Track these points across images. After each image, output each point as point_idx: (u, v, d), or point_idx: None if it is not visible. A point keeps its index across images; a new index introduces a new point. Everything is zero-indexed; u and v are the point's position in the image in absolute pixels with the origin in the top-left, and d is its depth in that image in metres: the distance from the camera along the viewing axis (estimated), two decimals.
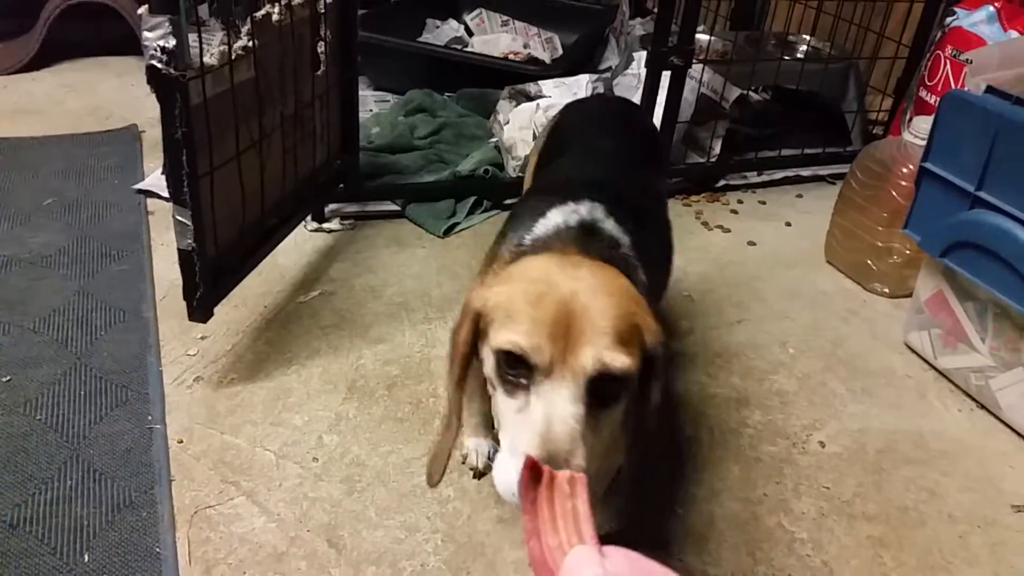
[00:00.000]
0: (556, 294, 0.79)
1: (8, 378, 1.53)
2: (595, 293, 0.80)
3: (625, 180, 1.26)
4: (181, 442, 1.44)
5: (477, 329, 0.86)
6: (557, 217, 1.04)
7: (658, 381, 0.87)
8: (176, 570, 1.21)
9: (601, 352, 0.76)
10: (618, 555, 0.50)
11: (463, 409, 1.01)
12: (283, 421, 1.51)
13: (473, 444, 1.41)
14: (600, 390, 0.78)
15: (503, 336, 0.79)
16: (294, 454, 1.44)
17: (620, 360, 0.77)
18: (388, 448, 1.47)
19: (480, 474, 1.40)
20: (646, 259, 1.06)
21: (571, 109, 1.67)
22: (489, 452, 1.36)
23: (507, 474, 0.75)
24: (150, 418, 1.48)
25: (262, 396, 1.57)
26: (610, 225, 1.05)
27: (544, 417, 0.75)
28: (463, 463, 1.42)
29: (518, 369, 0.78)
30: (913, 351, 1.85)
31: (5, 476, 1.33)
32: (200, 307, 1.52)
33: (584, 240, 0.99)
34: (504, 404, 0.81)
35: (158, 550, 1.24)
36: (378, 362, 1.69)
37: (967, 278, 1.63)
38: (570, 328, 0.77)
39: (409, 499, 1.37)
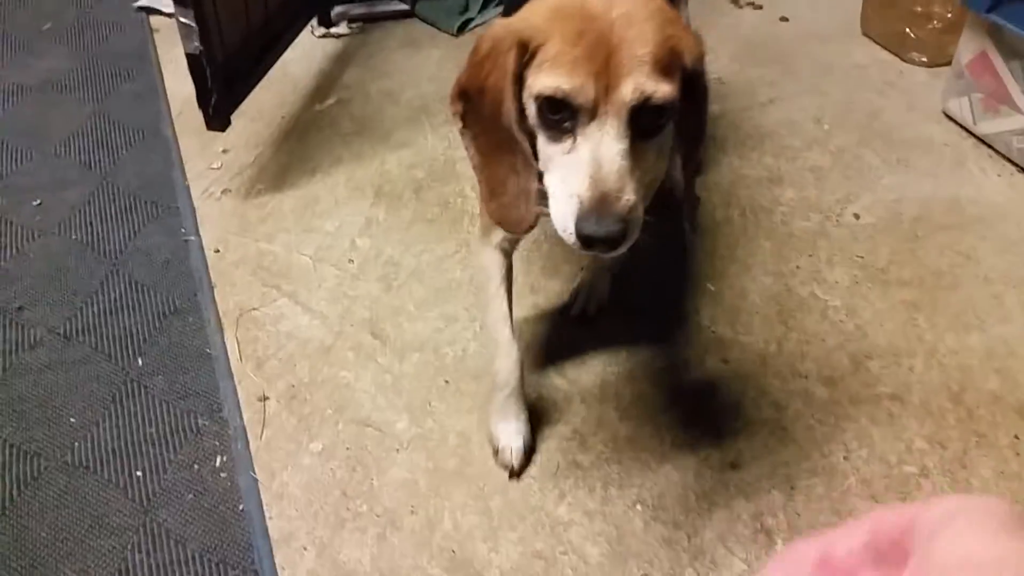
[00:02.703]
0: (594, 27, 0.79)
1: (39, 201, 1.54)
2: (631, 21, 0.79)
3: None
4: (218, 251, 1.46)
5: (521, 60, 0.83)
6: None
7: (704, 96, 0.89)
8: (228, 366, 1.26)
9: (641, 83, 0.78)
10: None
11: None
12: (315, 227, 1.52)
13: (503, 430, 1.14)
14: (643, 120, 0.80)
15: (545, 81, 0.79)
16: (329, 257, 1.46)
17: (661, 90, 0.78)
18: (421, 247, 1.48)
19: (516, 473, 1.14)
20: None
21: None
22: (524, 445, 1.14)
23: (565, 217, 0.80)
24: (183, 230, 1.49)
25: (291, 204, 1.57)
26: None
27: (592, 158, 0.79)
28: (495, 458, 1.16)
29: (562, 112, 0.80)
30: (951, 119, 1.78)
31: (51, 293, 1.37)
32: (216, 114, 1.49)
33: None
34: (550, 149, 0.83)
35: (208, 351, 1.29)
36: (402, 166, 1.67)
37: (1016, 34, 1.53)
38: (609, 62, 0.78)
39: (445, 293, 1.40)
